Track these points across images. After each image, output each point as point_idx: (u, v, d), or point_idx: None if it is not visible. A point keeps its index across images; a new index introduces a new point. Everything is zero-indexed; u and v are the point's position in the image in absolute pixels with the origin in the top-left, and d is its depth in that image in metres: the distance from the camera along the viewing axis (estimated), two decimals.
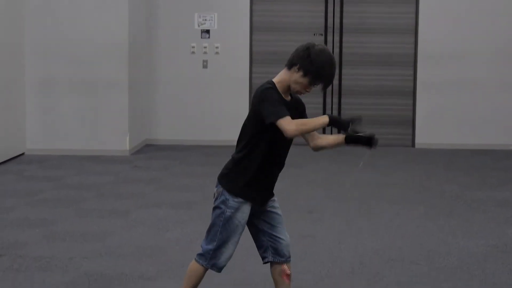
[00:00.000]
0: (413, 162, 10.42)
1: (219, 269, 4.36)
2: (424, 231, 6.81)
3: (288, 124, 4.07)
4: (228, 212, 4.25)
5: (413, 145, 11.73)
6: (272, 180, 4.36)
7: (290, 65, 4.24)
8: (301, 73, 4.20)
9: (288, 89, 4.26)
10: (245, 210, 4.28)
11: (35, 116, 10.69)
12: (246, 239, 4.60)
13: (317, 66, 4.18)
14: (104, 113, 10.72)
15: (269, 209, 4.40)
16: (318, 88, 4.31)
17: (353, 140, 4.25)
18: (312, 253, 6.09)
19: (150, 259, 5.89)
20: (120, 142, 10.70)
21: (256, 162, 4.22)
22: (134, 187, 8.61)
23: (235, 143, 4.35)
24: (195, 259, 4.37)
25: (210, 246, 4.30)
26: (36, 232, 6.63)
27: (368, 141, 4.23)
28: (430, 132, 11.66)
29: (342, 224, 7.02)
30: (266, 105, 4.12)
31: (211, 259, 4.31)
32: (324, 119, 4.16)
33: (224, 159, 4.42)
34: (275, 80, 4.25)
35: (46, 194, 8.19)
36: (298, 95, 4.36)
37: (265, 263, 4.49)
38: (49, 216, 7.22)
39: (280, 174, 4.40)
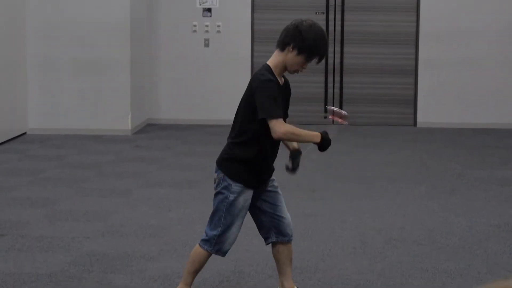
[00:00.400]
0: (415, 141, 10.40)
1: (224, 253, 4.36)
2: (426, 210, 6.81)
3: (278, 126, 4.05)
4: (231, 197, 4.23)
5: (414, 124, 11.70)
6: (271, 162, 4.35)
7: (282, 46, 4.21)
8: (295, 52, 4.18)
9: (283, 70, 4.24)
10: (248, 193, 4.27)
11: (37, 96, 10.67)
12: (249, 219, 4.60)
13: (310, 41, 4.17)
14: (105, 92, 10.70)
15: (269, 188, 4.39)
16: (314, 64, 4.29)
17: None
18: (314, 232, 6.10)
19: (152, 239, 5.90)
20: (122, 122, 10.69)
21: (256, 147, 4.20)
22: (135, 167, 8.61)
23: None
24: (199, 244, 4.35)
25: (215, 232, 4.28)
26: (38, 212, 6.64)
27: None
28: (431, 111, 11.63)
29: (344, 204, 7.02)
30: (263, 98, 4.08)
31: (216, 244, 4.30)
32: (317, 137, 4.11)
33: (226, 139, 4.40)
34: (271, 65, 4.21)
35: (47, 174, 8.19)
36: (287, 79, 4.35)
37: (267, 243, 4.49)
38: (51, 195, 7.23)
39: (283, 154, 4.39)
